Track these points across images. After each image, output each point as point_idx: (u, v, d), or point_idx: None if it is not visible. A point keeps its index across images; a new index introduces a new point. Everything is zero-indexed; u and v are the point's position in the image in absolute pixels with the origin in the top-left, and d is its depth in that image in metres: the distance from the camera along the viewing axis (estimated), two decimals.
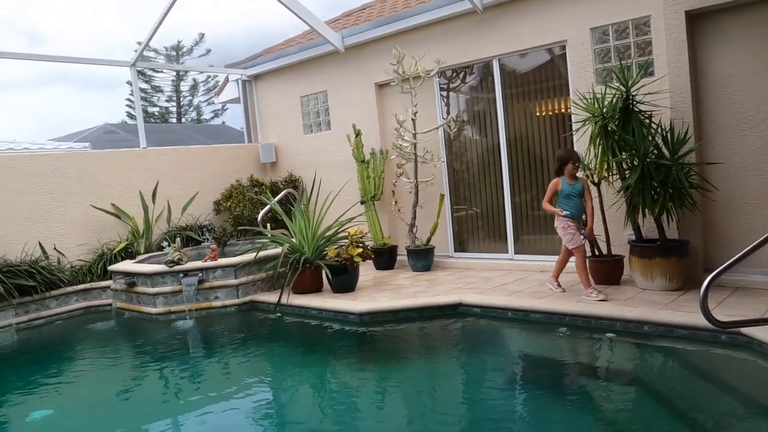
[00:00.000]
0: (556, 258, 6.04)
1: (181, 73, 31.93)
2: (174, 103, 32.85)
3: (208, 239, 8.59)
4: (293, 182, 9.80)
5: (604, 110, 5.60)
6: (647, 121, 5.58)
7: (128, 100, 30.39)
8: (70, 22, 40.25)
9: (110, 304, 7.39)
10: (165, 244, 7.60)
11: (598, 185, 6.05)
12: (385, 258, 8.08)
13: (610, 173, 5.84)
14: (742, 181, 5.62)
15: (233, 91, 10.97)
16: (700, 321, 3.92)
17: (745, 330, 4.22)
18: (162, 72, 31.70)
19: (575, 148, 6.32)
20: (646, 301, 5.23)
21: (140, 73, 28.60)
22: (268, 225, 8.19)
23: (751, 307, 4.76)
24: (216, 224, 9.22)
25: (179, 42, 31.56)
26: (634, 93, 5.54)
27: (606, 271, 6.00)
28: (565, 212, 5.64)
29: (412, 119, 7.72)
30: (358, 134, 8.46)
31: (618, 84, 5.57)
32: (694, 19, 5.70)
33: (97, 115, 45.73)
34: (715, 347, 4.38)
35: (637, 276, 5.73)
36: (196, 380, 5.07)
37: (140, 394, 4.83)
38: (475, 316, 5.76)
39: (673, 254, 5.49)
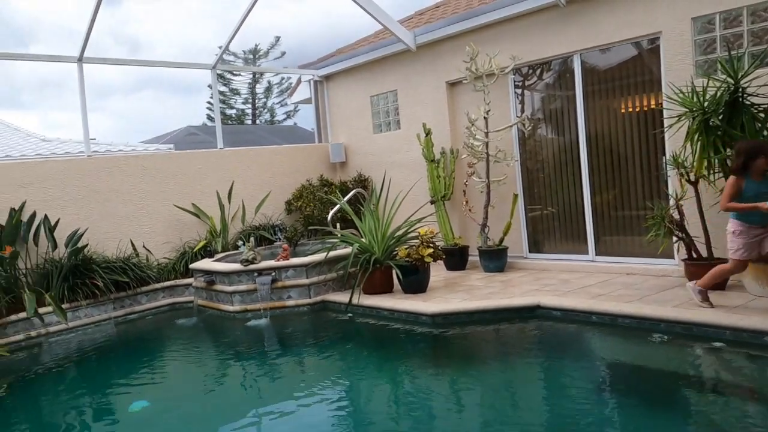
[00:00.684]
0: (642, 260, 5.65)
1: (256, 76, 32.94)
2: (249, 105, 33.98)
3: (280, 239, 8.75)
4: (362, 182, 9.82)
5: (705, 104, 5.22)
6: (761, 115, 5.15)
7: (208, 102, 31.73)
8: (162, 31, 42.86)
9: (192, 302, 7.67)
10: (240, 243, 7.81)
11: (695, 184, 5.67)
12: (456, 258, 7.94)
13: (711, 171, 5.44)
14: None
15: (305, 92, 11.16)
16: None
17: None
18: (239, 75, 32.90)
19: (667, 146, 5.87)
20: (762, 309, 4.77)
21: (220, 76, 29.84)
22: (338, 225, 8.24)
23: None
24: (287, 224, 9.39)
25: (256, 45, 32.66)
26: (744, 85, 5.12)
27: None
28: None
29: (484, 117, 7.54)
30: (428, 133, 8.36)
31: (724, 76, 5.17)
32: None
33: (181, 117, 48.57)
34: None
35: (748, 281, 5.28)
36: (274, 379, 5.18)
37: (224, 391, 4.98)
38: (554, 319, 5.51)
39: None
